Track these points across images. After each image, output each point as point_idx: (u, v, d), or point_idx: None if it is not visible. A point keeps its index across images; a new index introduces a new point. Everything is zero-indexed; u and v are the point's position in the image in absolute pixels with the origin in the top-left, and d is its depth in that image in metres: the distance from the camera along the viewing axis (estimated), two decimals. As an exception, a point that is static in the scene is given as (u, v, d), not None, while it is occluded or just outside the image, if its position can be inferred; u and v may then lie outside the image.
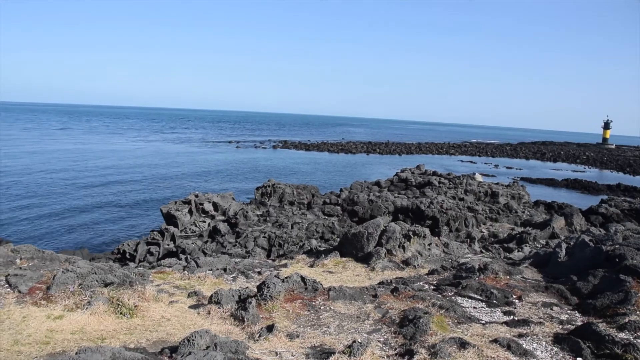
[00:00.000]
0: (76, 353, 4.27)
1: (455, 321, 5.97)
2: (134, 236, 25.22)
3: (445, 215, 22.57)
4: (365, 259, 10.91)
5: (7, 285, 6.12)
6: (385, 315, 6.24)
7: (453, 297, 6.98)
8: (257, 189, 28.15)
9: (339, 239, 14.44)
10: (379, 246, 11.15)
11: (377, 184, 33.57)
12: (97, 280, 6.20)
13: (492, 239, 19.01)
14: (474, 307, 6.62)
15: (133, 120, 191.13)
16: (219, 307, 6.15)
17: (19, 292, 5.97)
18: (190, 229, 22.10)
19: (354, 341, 4.98)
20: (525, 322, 5.88)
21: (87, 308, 5.67)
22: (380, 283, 8.16)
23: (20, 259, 7.04)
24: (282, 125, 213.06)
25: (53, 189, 37.61)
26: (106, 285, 6.22)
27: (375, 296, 7.08)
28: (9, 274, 6.33)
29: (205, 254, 17.94)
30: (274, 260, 12.55)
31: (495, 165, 76.05)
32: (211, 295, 6.52)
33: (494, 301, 6.81)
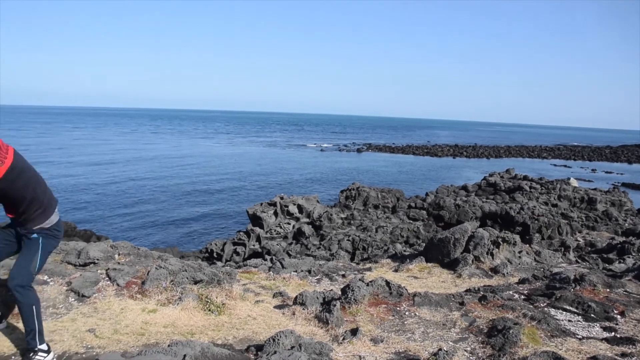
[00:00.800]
0: (168, 345, 4.47)
1: (548, 334, 5.63)
2: (221, 236, 26.16)
3: (536, 221, 21.51)
4: (451, 265, 10.61)
5: (107, 278, 6.52)
6: (473, 324, 6.01)
7: (545, 309, 6.60)
8: (342, 192, 28.27)
9: (424, 244, 14.15)
10: (466, 252, 10.80)
11: (464, 188, 32.63)
12: (187, 278, 6.46)
13: (589, 249, 17.85)
14: (569, 320, 6.22)
15: (220, 124, 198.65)
16: (303, 309, 6.20)
17: (118, 285, 6.33)
18: (275, 231, 22.58)
19: (440, 349, 4.84)
20: (629, 341, 5.43)
21: (178, 304, 5.91)
22: (468, 290, 7.88)
23: (118, 254, 7.47)
24: (366, 128, 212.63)
25: (147, 189, 39.86)
26: (196, 282, 6.46)
27: (462, 304, 6.85)
28: (108, 268, 6.74)
29: (289, 255, 18.25)
30: (358, 264, 12.51)
31: (592, 170, 71.60)
32: (296, 297, 6.59)
33: (592, 315, 6.37)
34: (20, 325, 5.08)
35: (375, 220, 23.34)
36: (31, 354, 4.29)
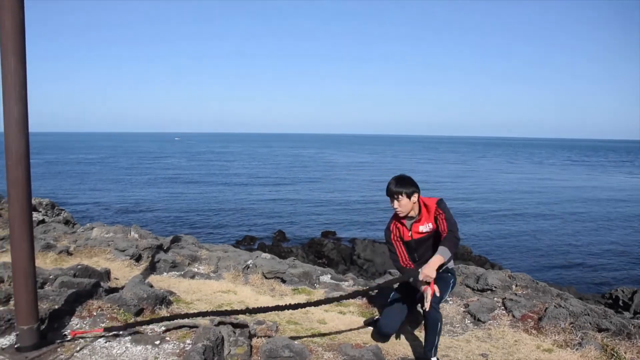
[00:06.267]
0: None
1: None
2: (630, 283, 22.96)
3: None
4: None
5: (503, 307, 6.54)
6: None
7: None
8: None
9: None
10: None
11: None
12: (590, 323, 5.86)
13: None
14: None
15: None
16: None
17: (513, 316, 6.27)
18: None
19: None
20: None
21: (577, 349, 5.43)
22: None
23: (516, 285, 7.41)
24: None
25: (548, 222, 38.42)
26: (600, 330, 5.81)
27: None
28: (505, 298, 6.75)
29: None
30: None
31: None
32: None
33: None
34: (416, 335, 5.63)
35: None
36: None
